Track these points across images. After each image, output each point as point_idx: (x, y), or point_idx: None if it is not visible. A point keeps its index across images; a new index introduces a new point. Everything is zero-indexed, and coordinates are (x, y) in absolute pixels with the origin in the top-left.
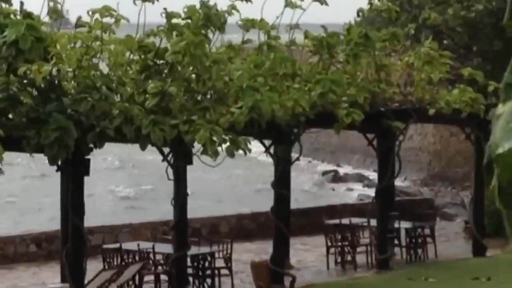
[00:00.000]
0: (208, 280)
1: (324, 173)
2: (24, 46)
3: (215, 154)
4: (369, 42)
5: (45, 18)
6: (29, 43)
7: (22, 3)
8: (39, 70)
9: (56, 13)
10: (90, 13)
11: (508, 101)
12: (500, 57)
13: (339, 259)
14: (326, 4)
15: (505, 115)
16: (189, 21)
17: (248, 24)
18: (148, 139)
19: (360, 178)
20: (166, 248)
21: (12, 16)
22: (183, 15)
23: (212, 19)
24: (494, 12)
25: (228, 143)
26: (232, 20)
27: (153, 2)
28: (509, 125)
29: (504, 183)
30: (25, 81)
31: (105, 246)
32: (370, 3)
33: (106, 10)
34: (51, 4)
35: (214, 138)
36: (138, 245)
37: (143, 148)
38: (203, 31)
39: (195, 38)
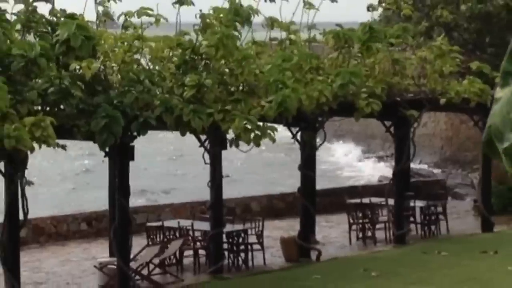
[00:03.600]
0: (242, 255)
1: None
2: (75, 44)
3: (249, 141)
4: (375, 33)
5: (89, 18)
6: (80, 41)
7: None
8: (89, 67)
9: (106, 16)
10: (127, 16)
11: (506, 87)
12: None
13: (360, 235)
14: (336, 1)
15: (504, 103)
16: (220, 15)
17: (271, 23)
18: (188, 126)
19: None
20: (204, 225)
21: (58, 15)
22: (212, 13)
23: (241, 12)
24: None
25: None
26: (256, 19)
27: (194, 5)
28: (510, 116)
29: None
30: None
31: (148, 224)
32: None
33: (144, 11)
34: (100, 8)
35: (249, 126)
36: (179, 223)
37: (183, 134)
38: (233, 25)
39: (226, 30)
